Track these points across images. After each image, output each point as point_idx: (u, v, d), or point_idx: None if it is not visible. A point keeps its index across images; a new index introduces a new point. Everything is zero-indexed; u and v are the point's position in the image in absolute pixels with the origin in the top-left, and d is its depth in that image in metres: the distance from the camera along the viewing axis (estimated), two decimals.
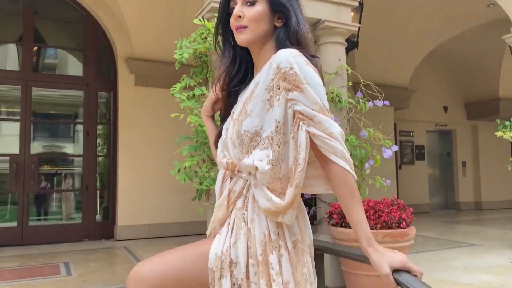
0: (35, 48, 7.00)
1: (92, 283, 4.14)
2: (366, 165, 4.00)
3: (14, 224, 6.46)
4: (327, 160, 1.19)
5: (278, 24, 1.31)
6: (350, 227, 3.41)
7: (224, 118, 1.41)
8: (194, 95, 3.43)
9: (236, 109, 1.33)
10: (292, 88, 1.17)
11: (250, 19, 1.28)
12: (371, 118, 8.84)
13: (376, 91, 3.92)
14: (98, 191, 7.07)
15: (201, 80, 3.64)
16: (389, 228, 3.47)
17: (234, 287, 1.19)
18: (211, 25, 3.47)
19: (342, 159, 1.17)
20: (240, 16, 1.28)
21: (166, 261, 1.25)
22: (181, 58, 3.46)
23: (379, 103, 4.00)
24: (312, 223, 4.23)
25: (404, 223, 3.49)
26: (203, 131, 3.21)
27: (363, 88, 4.22)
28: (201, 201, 3.39)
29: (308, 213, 3.94)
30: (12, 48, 7.06)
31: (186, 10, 6.29)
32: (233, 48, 1.38)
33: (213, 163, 3.31)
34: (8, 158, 6.50)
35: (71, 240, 6.51)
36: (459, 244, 6.01)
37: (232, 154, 1.28)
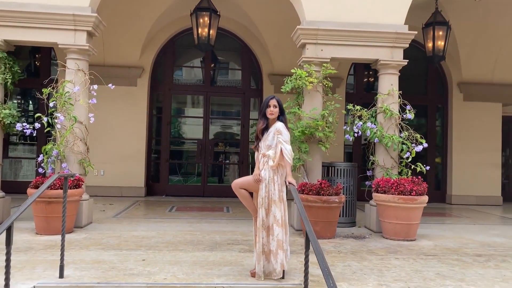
0: (212, 65, 10.55)
1: (239, 216, 7.29)
2: (406, 155, 6.14)
3: (199, 183, 10.23)
4: (283, 156, 3.91)
5: (280, 115, 4.04)
6: (381, 193, 5.70)
7: (256, 139, 4.16)
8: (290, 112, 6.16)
9: (265, 138, 4.06)
10: (280, 134, 3.91)
11: (274, 112, 4.02)
12: (478, 114, 10.18)
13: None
14: (249, 165, 10.36)
15: (297, 101, 6.36)
16: (404, 195, 5.62)
17: (266, 185, 3.89)
18: (301, 71, 6.10)
19: (287, 156, 3.88)
20: (272, 111, 4.02)
21: (244, 178, 4.07)
22: (286, 89, 6.20)
23: (409, 115, 6.05)
24: (370, 191, 6.57)
25: (414, 193, 5.59)
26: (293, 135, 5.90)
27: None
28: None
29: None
30: (198, 70, 10.77)
31: None
32: (265, 119, 4.11)
33: (298, 151, 5.99)
34: (196, 141, 10.27)
35: (231, 196, 9.92)
36: None
37: (264, 151, 4.03)
